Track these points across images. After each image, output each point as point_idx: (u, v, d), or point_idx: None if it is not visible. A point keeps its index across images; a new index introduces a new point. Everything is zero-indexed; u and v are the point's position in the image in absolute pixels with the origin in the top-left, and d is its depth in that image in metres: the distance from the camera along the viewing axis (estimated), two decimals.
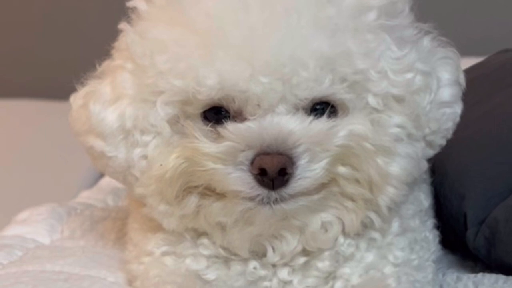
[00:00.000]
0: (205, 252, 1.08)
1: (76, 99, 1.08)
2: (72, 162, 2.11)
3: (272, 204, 0.97)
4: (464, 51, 1.22)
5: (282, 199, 0.97)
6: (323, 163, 0.97)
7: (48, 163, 2.39)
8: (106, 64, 1.08)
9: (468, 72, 1.26)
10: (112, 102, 1.04)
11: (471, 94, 1.12)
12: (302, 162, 0.96)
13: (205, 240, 1.08)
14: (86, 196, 1.60)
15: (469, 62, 1.46)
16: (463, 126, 1.11)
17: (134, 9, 1.05)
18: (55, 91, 2.41)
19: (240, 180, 0.97)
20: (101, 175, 1.84)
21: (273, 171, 0.95)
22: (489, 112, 1.29)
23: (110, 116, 1.03)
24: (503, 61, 1.43)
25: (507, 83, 1.33)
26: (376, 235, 1.08)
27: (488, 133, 1.26)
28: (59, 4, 2.81)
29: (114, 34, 1.07)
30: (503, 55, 1.50)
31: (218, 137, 0.98)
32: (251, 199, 0.98)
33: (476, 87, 1.31)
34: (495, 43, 1.81)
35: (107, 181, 1.67)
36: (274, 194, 0.97)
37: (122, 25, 1.06)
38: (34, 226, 1.35)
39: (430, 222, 1.18)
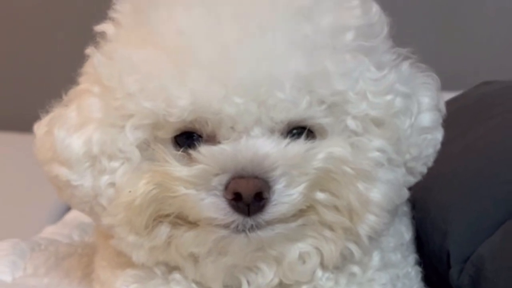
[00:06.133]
0: None
1: (40, 126, 1.04)
2: (36, 196, 2.07)
3: (247, 231, 0.93)
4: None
5: (258, 226, 0.93)
6: (300, 187, 0.93)
7: (12, 197, 2.34)
8: (72, 90, 1.04)
9: (448, 104, 1.25)
10: (78, 128, 0.99)
11: (451, 127, 1.09)
12: (279, 186, 0.92)
13: (177, 275, 1.03)
14: (50, 231, 1.55)
15: (445, 96, 1.45)
16: (444, 160, 1.08)
17: (102, 33, 1.01)
18: (18, 123, 2.40)
19: (213, 206, 0.92)
20: (67, 210, 1.80)
21: (248, 195, 0.91)
22: (470, 146, 1.26)
23: (75, 142, 0.99)
24: (483, 93, 1.42)
25: (489, 116, 1.31)
26: (356, 269, 1.04)
27: (470, 167, 1.22)
28: (27, 35, 2.83)
29: (82, 62, 1.03)
30: (483, 87, 1.49)
31: (191, 162, 0.94)
32: (226, 226, 0.93)
33: (457, 120, 1.29)
34: (470, 78, 1.81)
35: (72, 216, 1.63)
36: (249, 221, 0.92)
37: (89, 50, 1.02)
38: None
39: (412, 257, 1.15)
